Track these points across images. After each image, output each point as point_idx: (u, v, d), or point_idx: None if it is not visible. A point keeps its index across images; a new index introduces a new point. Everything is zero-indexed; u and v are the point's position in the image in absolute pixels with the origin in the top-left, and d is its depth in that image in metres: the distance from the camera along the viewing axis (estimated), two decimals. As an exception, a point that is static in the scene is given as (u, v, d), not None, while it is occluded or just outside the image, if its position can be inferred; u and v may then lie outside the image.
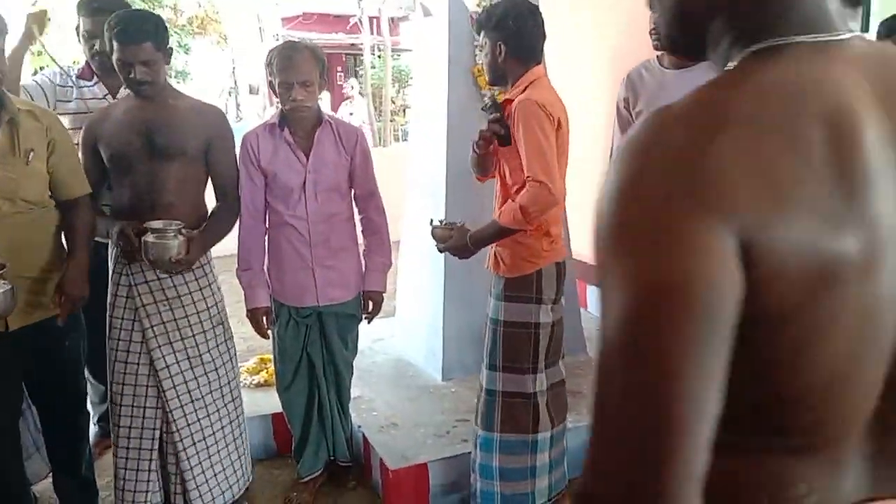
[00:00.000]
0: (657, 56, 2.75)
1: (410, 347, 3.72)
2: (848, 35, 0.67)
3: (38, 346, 2.28)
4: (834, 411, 0.65)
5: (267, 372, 3.31)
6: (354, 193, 2.67)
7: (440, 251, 2.44)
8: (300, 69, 2.42)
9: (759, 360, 0.62)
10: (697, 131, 0.61)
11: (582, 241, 3.99)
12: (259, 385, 3.34)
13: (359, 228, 2.73)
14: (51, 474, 2.62)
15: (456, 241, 2.35)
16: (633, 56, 3.02)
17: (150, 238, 2.28)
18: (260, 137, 2.58)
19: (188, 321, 2.48)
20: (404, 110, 15.62)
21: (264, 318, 2.62)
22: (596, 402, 0.61)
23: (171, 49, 2.44)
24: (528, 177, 2.18)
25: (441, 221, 2.49)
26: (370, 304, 2.71)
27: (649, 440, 0.58)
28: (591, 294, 4.31)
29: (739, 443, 0.66)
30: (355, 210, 2.70)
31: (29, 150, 2.19)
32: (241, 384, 3.24)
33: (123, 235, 2.35)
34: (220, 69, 15.43)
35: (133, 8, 2.78)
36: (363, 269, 2.71)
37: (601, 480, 0.62)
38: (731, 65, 0.70)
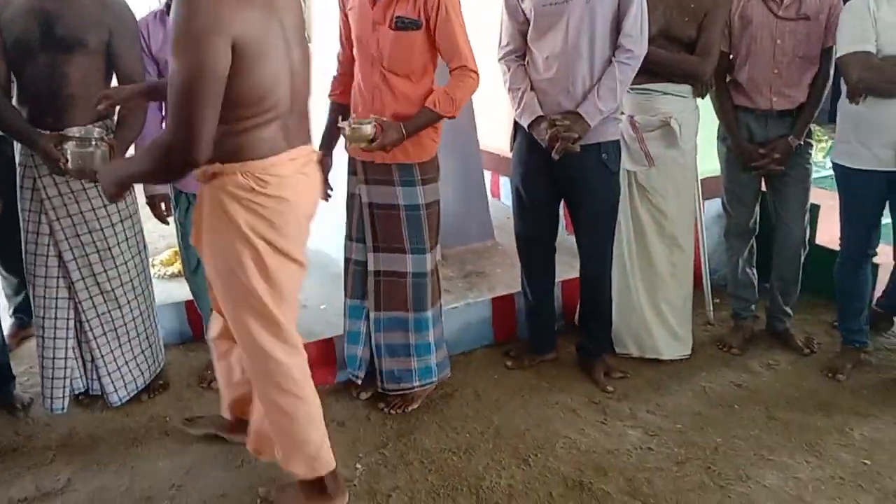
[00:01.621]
0: None
1: (323, 238, 3.84)
2: None
3: None
4: (277, 101, 1.79)
5: (180, 262, 3.42)
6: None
7: (377, 149, 2.33)
8: None
9: (239, 79, 1.68)
10: None
11: (490, 134, 4.13)
12: (173, 276, 3.45)
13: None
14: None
15: (394, 136, 2.32)
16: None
17: (70, 148, 2.20)
18: (150, 25, 2.61)
19: (95, 214, 2.54)
20: None
21: (162, 205, 2.71)
22: (170, 102, 1.65)
23: None
24: (461, 65, 2.35)
25: (350, 122, 2.35)
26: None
27: (190, 115, 1.63)
28: (503, 184, 4.48)
29: (244, 121, 1.77)
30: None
31: None
32: (156, 275, 3.37)
33: (42, 152, 2.36)
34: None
35: None
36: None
37: (171, 134, 1.66)
38: None
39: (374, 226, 2.55)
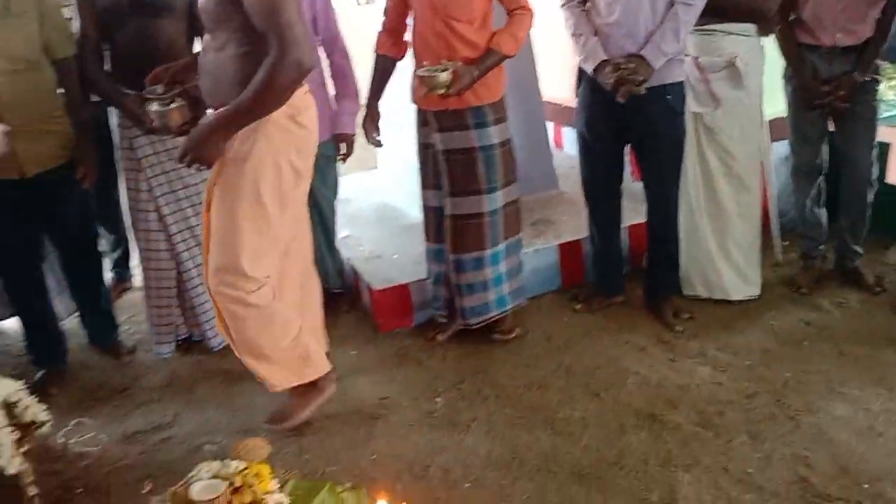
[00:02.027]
0: None
1: (392, 192, 3.99)
2: None
3: (55, 193, 2.56)
4: None
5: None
6: (320, 39, 2.84)
7: (453, 94, 2.43)
8: None
9: None
10: None
11: (553, 85, 4.17)
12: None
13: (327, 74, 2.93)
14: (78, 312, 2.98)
15: (467, 80, 2.43)
16: None
17: (151, 107, 2.28)
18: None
19: (187, 170, 2.71)
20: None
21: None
22: (265, 25, 1.85)
23: None
24: (518, 6, 2.50)
25: (425, 72, 2.44)
26: (343, 145, 2.95)
27: (289, 27, 1.82)
28: (566, 134, 4.51)
29: None
30: (322, 56, 2.89)
31: (23, 12, 2.38)
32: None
33: (129, 112, 2.54)
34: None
35: None
36: (333, 112, 2.92)
37: (278, 51, 1.83)
38: None
39: (451, 172, 2.66)
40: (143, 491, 2.14)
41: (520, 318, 2.95)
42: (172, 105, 2.26)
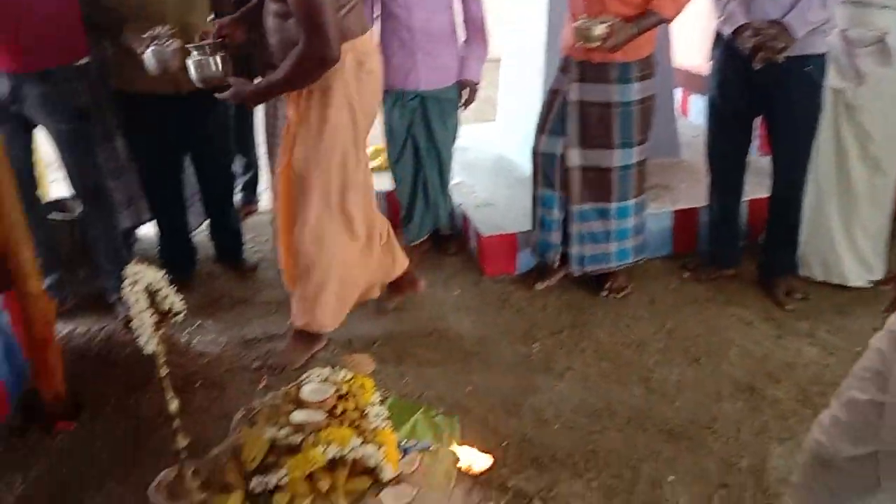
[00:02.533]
0: None
1: (509, 145, 4.03)
2: None
3: (202, 111, 2.75)
4: None
5: (381, 158, 3.73)
6: (456, -16, 2.89)
7: (608, 49, 2.44)
8: None
9: None
10: None
11: (683, 52, 4.05)
12: (374, 169, 3.77)
13: (459, 19, 2.98)
14: (207, 223, 3.21)
15: (623, 37, 2.43)
16: None
17: (191, 58, 2.32)
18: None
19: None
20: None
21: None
22: (300, 18, 2.03)
23: None
24: None
25: (583, 23, 2.44)
26: (466, 91, 3.01)
27: (320, 23, 2.00)
28: (692, 102, 4.39)
29: (342, 9, 2.14)
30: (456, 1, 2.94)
31: None
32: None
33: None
34: None
35: None
36: (461, 58, 2.98)
37: (308, 43, 2.05)
38: None
39: (584, 123, 2.67)
40: (258, 388, 2.32)
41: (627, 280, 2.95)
42: (208, 56, 2.32)
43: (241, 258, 3.20)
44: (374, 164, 3.81)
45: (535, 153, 2.84)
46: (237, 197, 3.45)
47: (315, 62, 2.09)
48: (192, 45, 2.34)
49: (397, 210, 3.36)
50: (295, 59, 2.09)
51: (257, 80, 2.35)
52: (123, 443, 2.19)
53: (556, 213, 2.84)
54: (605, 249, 2.82)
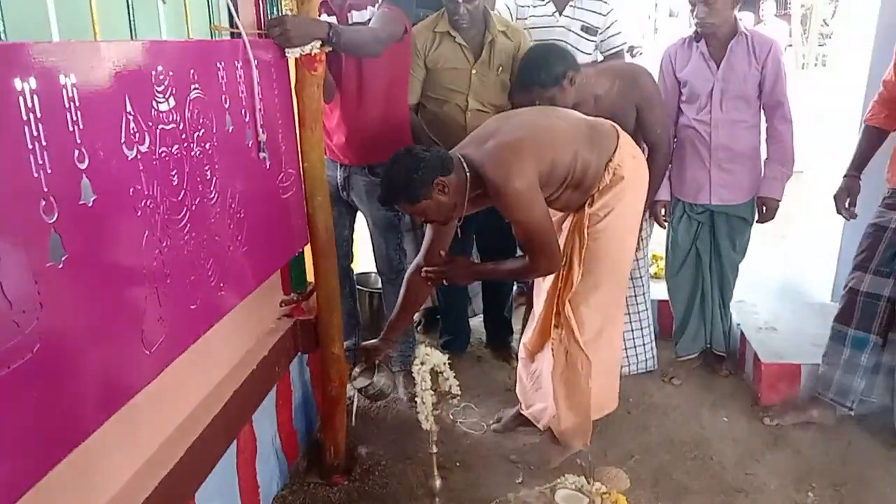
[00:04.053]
0: None
1: (800, 267, 3.77)
2: None
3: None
4: (573, 163, 2.26)
5: (657, 266, 3.70)
6: (763, 102, 2.83)
7: None
8: None
9: (549, 183, 2.24)
10: None
11: None
12: (651, 277, 3.75)
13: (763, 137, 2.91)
14: (482, 314, 3.43)
15: None
16: None
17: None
18: (678, 49, 2.91)
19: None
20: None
21: (663, 210, 2.99)
22: (528, 244, 2.21)
23: None
24: None
25: None
26: (764, 208, 2.90)
27: (547, 248, 2.17)
28: None
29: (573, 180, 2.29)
30: (762, 119, 2.87)
31: (498, 66, 2.85)
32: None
33: None
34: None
35: None
36: (762, 175, 2.89)
37: (536, 263, 2.22)
38: None
39: None
40: (516, 482, 2.39)
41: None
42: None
43: (510, 345, 3.35)
44: (651, 269, 3.81)
45: (853, 290, 2.62)
46: (515, 287, 3.64)
47: (539, 273, 2.33)
48: None
49: (668, 320, 3.30)
50: (520, 267, 2.30)
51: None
52: (387, 506, 2.38)
53: (867, 358, 2.60)
54: None
